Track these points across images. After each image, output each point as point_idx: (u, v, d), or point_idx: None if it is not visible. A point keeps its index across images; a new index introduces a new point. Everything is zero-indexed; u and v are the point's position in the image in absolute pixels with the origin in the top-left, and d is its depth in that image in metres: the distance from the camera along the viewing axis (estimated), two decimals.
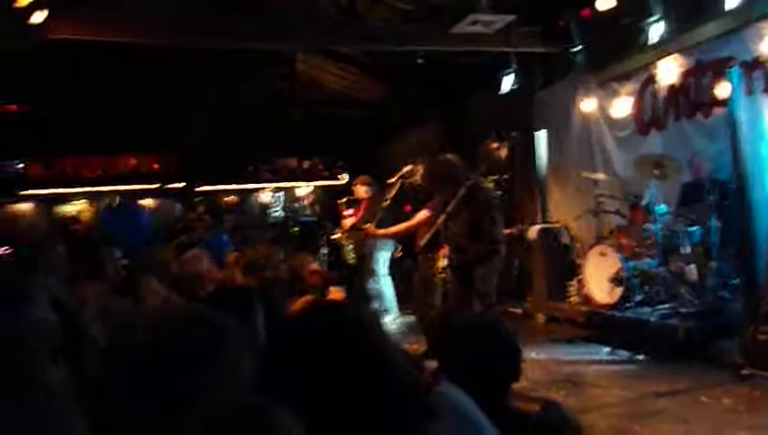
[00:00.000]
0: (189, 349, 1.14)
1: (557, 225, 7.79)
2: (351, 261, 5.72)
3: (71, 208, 11.23)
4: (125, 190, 11.18)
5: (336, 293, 4.12)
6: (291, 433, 0.93)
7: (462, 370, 1.91)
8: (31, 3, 5.30)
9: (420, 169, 5.72)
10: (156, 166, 11.42)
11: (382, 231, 5.55)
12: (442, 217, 4.86)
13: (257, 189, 12.22)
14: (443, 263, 5.11)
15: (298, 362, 1.17)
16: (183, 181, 11.44)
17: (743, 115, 5.23)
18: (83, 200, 11.25)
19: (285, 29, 7.03)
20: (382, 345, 1.23)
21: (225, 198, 12.12)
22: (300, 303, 3.45)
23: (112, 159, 11.21)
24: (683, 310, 5.55)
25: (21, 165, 10.56)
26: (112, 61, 7.71)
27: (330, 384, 1.11)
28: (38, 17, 5.38)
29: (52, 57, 6.92)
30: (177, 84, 9.07)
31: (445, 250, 5.07)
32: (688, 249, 5.75)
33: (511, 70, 7.92)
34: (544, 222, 8.07)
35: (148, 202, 11.40)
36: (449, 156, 5.20)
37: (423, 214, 5.21)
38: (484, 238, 4.85)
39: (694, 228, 5.76)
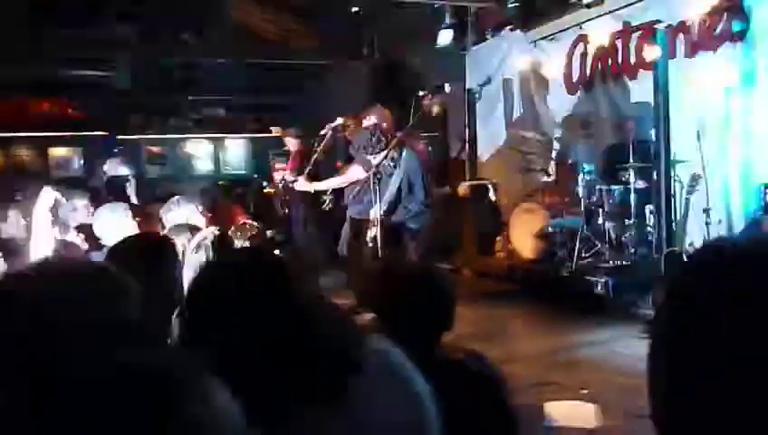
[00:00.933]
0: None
1: (486, 181, 7.89)
2: (327, 207, 5.51)
3: None
4: (37, 137, 10.54)
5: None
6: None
7: (395, 316, 1.89)
8: None
9: (351, 123, 5.61)
10: (70, 111, 10.74)
11: (314, 185, 5.43)
12: (371, 172, 4.81)
13: (183, 139, 11.74)
14: (372, 232, 5.09)
15: (219, 312, 1.11)
16: (100, 129, 10.82)
17: (667, 78, 5.38)
18: None
19: None
20: (307, 298, 1.18)
21: (149, 148, 11.58)
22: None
23: (23, 102, 10.46)
24: (603, 265, 5.77)
25: None
26: None
27: (251, 336, 1.06)
28: None
29: None
30: (93, 23, 8.49)
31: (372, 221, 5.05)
32: (609, 208, 5.95)
33: (447, 24, 7.85)
34: (474, 179, 8.16)
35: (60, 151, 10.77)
36: (375, 115, 5.16)
37: (356, 171, 5.14)
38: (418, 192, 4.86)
39: (615, 187, 5.95)
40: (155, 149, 11.55)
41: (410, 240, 4.89)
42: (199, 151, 11.91)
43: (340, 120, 5.46)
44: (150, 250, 1.88)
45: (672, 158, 5.44)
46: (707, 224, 5.44)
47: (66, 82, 10.06)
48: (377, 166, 4.79)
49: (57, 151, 10.85)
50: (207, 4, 9.08)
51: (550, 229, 6.17)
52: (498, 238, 7.14)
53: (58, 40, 8.81)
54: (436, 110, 8.71)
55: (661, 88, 5.32)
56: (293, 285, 1.17)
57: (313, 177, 5.67)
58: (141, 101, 10.86)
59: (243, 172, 11.78)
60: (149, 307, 1.18)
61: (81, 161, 10.86)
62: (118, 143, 11.09)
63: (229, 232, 3.54)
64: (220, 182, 11.51)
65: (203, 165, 11.90)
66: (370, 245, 5.08)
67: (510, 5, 7.45)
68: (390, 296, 1.97)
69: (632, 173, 5.84)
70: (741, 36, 5.40)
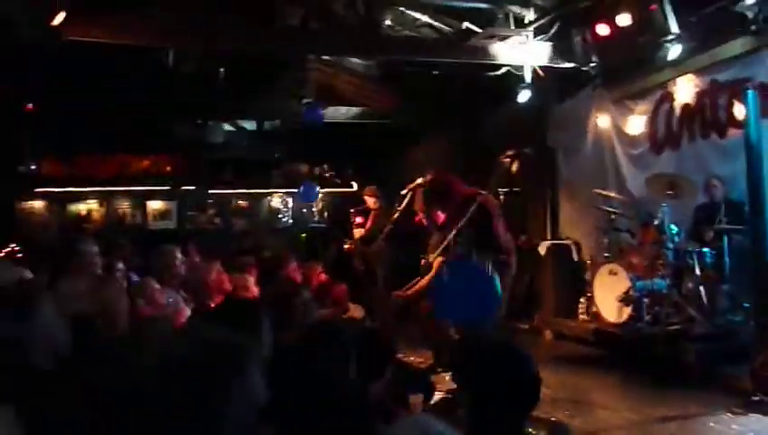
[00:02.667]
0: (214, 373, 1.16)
1: (568, 241, 7.74)
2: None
3: (83, 207, 11.29)
4: (137, 191, 11.30)
5: (355, 310, 4.10)
6: None
7: (484, 395, 1.90)
8: (51, 3, 5.36)
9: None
10: (168, 167, 11.48)
11: (409, 292, 5.43)
12: (453, 233, 4.85)
13: (268, 194, 12.23)
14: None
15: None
16: (194, 184, 11.48)
17: (759, 137, 5.18)
18: (95, 199, 11.31)
19: (302, 35, 7.06)
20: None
21: (237, 202, 12.14)
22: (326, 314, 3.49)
23: (126, 158, 11.28)
24: (693, 332, 5.49)
25: (34, 165, 10.66)
26: (129, 61, 7.76)
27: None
28: (59, 18, 5.44)
29: (69, 57, 6.98)
30: (187, 85, 9.11)
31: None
32: (700, 271, 5.69)
33: (526, 84, 7.91)
34: (555, 238, 8.03)
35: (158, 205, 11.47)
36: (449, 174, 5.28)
37: (437, 262, 5.19)
38: (492, 247, 4.84)
39: (706, 250, 5.70)
40: (242, 202, 12.09)
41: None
42: (282, 204, 12.36)
43: (419, 181, 5.55)
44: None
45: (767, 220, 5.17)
46: None
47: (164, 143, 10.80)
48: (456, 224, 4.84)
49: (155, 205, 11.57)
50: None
51: (635, 292, 5.94)
52: (581, 300, 6.93)
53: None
54: (515, 168, 8.73)
55: (753, 147, 5.11)
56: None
57: (392, 235, 5.75)
58: (231, 157, 11.46)
59: (323, 226, 12.09)
60: None
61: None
62: (208, 197, 11.73)
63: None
64: (301, 235, 11.87)
65: (286, 218, 12.33)
66: None
67: (592, 65, 7.43)
68: (476, 376, 1.97)
69: (725, 235, 5.60)
70: None
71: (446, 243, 4.89)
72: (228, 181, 11.75)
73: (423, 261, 5.28)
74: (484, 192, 5.09)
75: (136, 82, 8.69)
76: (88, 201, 11.26)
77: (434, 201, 5.17)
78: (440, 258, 5.07)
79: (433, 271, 5.10)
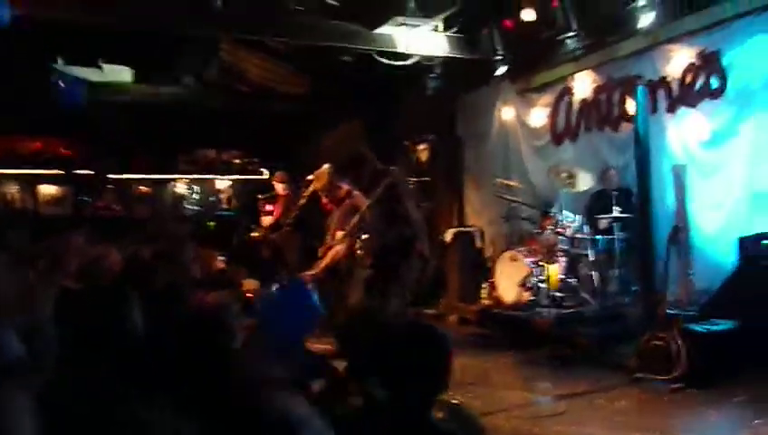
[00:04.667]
0: None
1: (472, 229, 7.95)
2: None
3: None
4: (27, 174, 10.57)
5: (249, 284, 4.01)
6: None
7: (389, 375, 1.86)
8: None
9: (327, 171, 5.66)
10: (62, 150, 10.80)
11: (315, 271, 5.37)
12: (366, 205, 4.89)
13: (172, 180, 11.77)
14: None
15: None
16: (91, 168, 10.86)
17: (647, 131, 5.51)
18: None
19: (211, 15, 6.81)
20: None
21: (138, 188, 11.60)
22: (218, 296, 3.39)
23: (15, 140, 10.51)
24: (585, 315, 5.80)
25: None
26: (25, 36, 7.23)
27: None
28: None
29: None
30: (90, 62, 8.62)
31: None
32: (593, 257, 6.01)
33: (435, 74, 8.03)
34: (460, 225, 8.22)
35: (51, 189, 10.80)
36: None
37: (341, 238, 5.18)
38: (401, 222, 4.90)
39: (599, 237, 6.02)
40: (144, 188, 11.58)
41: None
42: (188, 191, 11.94)
43: (326, 167, 5.52)
44: None
45: (654, 209, 5.53)
46: (689, 275, 5.52)
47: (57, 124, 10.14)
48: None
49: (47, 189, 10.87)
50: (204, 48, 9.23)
51: (533, 278, 6.20)
52: (483, 285, 7.15)
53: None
54: (424, 157, 8.87)
55: (641, 141, 5.44)
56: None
57: (299, 221, 5.71)
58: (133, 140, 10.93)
59: (231, 213, 11.79)
60: None
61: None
62: (108, 182, 11.15)
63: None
64: (209, 223, 11.53)
65: (191, 205, 11.91)
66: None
67: (498, 58, 7.63)
68: (386, 355, 1.93)
69: (615, 223, 5.94)
70: (719, 92, 5.56)
71: (358, 216, 4.90)
72: (129, 166, 11.20)
73: (321, 249, 5.28)
74: (394, 168, 5.17)
75: (27, 55, 8.12)
76: None
77: (348, 170, 5.16)
78: (345, 237, 5.07)
79: (338, 247, 5.10)
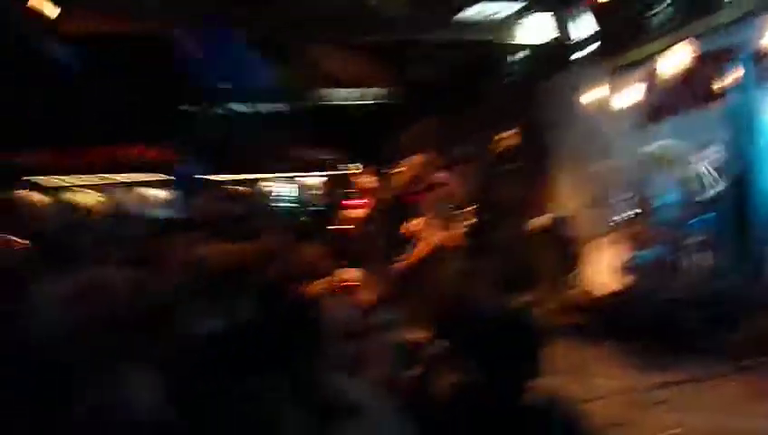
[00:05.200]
0: None
1: (564, 215, 7.79)
2: None
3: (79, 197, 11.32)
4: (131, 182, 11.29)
5: (346, 273, 4.11)
6: None
7: (487, 366, 1.93)
8: None
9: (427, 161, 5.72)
10: (161, 155, 11.50)
11: (408, 261, 5.45)
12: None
13: (268, 179, 12.28)
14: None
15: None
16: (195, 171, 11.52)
17: (749, 105, 5.21)
18: (89, 191, 11.32)
19: (298, 21, 7.04)
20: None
21: (236, 188, 12.19)
22: (321, 284, 3.55)
23: (117, 148, 11.28)
24: (687, 300, 5.56)
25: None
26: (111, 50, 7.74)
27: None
28: None
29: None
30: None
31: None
32: (693, 239, 5.75)
33: (519, 58, 7.92)
34: (552, 212, 8.07)
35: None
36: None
37: (434, 227, 5.23)
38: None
39: (698, 219, 5.75)
40: (241, 188, 12.15)
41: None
42: (284, 188, 12.41)
43: (414, 159, 5.60)
44: None
45: (756, 187, 5.23)
46: None
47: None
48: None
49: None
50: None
51: (633, 262, 6.01)
52: (578, 272, 7.00)
53: None
54: (512, 143, 8.76)
55: (743, 115, 5.14)
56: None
57: (389, 213, 5.81)
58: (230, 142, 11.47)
59: (323, 208, 12.14)
60: None
61: None
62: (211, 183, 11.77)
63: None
64: (302, 218, 11.93)
65: (288, 202, 12.37)
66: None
67: (585, 38, 7.43)
68: (481, 339, 1.99)
69: (716, 204, 5.65)
70: None
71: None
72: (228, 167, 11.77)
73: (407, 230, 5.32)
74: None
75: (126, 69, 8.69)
76: (86, 191, 11.31)
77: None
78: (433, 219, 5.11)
79: (433, 237, 5.16)
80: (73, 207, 10.98)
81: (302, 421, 0.97)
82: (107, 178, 11.26)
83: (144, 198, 11.55)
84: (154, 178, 11.43)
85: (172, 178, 11.43)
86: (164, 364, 1.61)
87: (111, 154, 11.25)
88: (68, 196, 11.24)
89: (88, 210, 11.11)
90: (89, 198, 11.34)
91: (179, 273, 4.31)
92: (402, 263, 5.36)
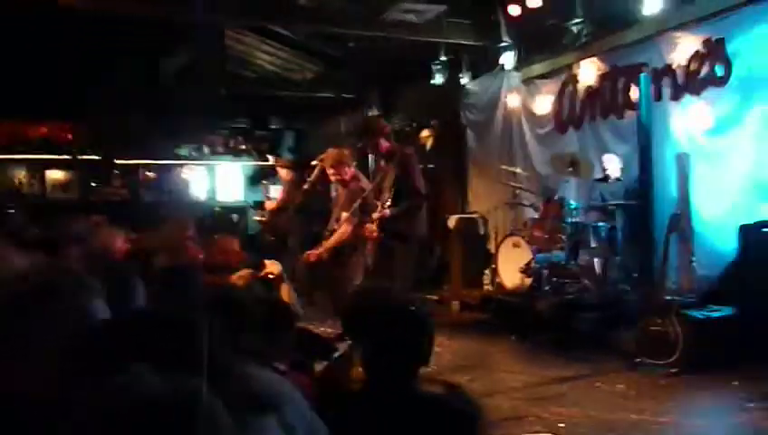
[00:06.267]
0: None
1: (476, 215, 7.99)
2: None
3: None
4: (34, 160, 10.65)
5: (271, 266, 4.02)
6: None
7: (372, 349, 1.93)
8: None
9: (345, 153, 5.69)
10: (69, 135, 10.86)
11: (320, 251, 5.41)
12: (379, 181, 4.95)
13: (179, 166, 11.84)
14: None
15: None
16: (99, 153, 10.93)
17: (650, 119, 5.53)
18: None
19: (217, 2, 6.85)
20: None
21: (146, 173, 11.67)
22: (239, 277, 3.44)
23: (21, 125, 10.58)
24: (587, 301, 5.84)
25: None
26: (28, 21, 7.29)
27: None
28: None
29: None
30: (96, 50, 8.66)
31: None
32: (595, 244, 6.04)
33: (441, 61, 8.05)
34: (464, 212, 8.27)
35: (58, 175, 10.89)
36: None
37: (345, 220, 5.22)
38: (410, 193, 4.91)
39: (601, 224, 6.05)
40: (151, 174, 11.64)
41: (400, 261, 4.95)
42: (195, 177, 12.00)
43: (331, 151, 5.56)
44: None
45: (656, 196, 5.56)
46: (691, 262, 5.55)
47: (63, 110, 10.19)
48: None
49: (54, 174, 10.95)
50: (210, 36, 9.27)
51: (535, 264, 6.24)
52: (485, 272, 7.20)
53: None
54: (428, 143, 8.89)
55: (644, 129, 5.46)
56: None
57: (301, 208, 5.76)
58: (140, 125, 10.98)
59: (237, 199, 11.86)
60: None
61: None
62: (113, 167, 11.22)
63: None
64: (216, 209, 11.61)
65: (199, 191, 11.97)
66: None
67: (503, 44, 7.64)
68: (369, 327, 2.01)
69: (617, 211, 5.96)
70: (724, 81, 5.56)
71: (362, 196, 4.94)
72: (136, 152, 11.25)
73: (326, 233, 5.32)
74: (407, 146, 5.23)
75: (32, 41, 8.18)
76: None
77: (366, 139, 5.15)
78: (349, 217, 5.11)
79: (343, 227, 5.15)
80: None
81: (215, 414, 0.91)
82: (6, 156, 10.48)
83: (46, 179, 10.85)
84: (57, 158, 10.76)
85: (76, 158, 10.81)
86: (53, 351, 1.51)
87: (12, 131, 10.52)
88: None
89: None
90: None
91: (79, 256, 4.10)
92: (311, 255, 5.31)
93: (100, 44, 8.66)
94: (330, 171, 5.27)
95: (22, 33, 7.86)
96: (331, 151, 5.41)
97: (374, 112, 9.65)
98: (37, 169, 10.75)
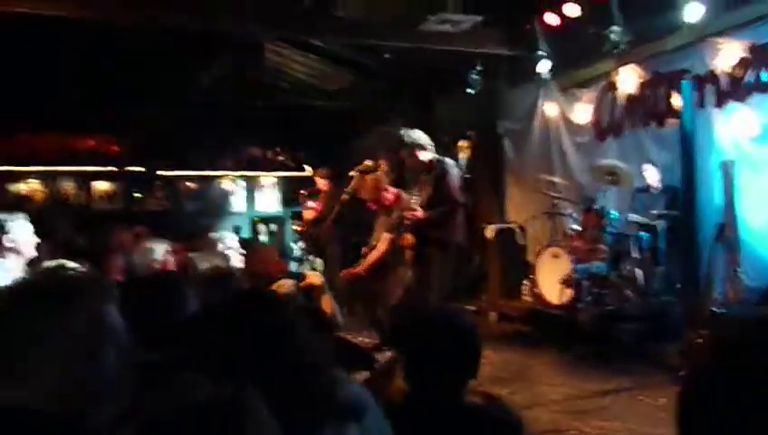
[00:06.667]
0: None
1: (514, 225, 7.93)
2: None
3: (23, 187, 10.92)
4: (81, 171, 11.00)
5: (312, 277, 4.08)
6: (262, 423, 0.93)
7: (421, 359, 1.93)
8: None
9: (382, 165, 5.74)
10: (115, 148, 11.20)
11: (359, 269, 5.48)
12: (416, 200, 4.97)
13: (219, 177, 12.07)
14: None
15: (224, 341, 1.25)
16: (142, 165, 11.24)
17: (694, 127, 5.42)
18: (36, 179, 10.96)
19: (256, 16, 6.98)
20: (302, 343, 1.30)
21: (187, 184, 11.93)
22: (280, 286, 3.50)
23: (69, 138, 10.95)
24: (629, 312, 5.73)
25: None
26: (72, 36, 7.54)
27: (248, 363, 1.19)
28: None
29: (4, 31, 6.74)
30: (139, 64, 8.90)
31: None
32: (637, 254, 5.93)
33: (477, 71, 8.04)
34: (502, 222, 8.21)
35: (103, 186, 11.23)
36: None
37: (385, 239, 5.26)
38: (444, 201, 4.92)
39: (643, 234, 5.94)
40: (191, 185, 11.90)
41: (437, 271, 4.96)
42: (234, 188, 12.21)
43: (368, 163, 5.61)
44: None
45: (700, 205, 5.44)
46: (737, 273, 5.40)
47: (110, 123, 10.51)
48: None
49: (99, 186, 11.29)
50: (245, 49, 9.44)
51: (575, 275, 6.16)
52: (524, 282, 7.13)
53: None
54: (466, 153, 8.85)
55: (688, 136, 5.36)
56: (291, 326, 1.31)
57: (339, 218, 5.81)
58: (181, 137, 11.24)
59: (275, 210, 12.03)
60: None
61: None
62: (156, 179, 11.51)
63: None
64: (254, 219, 11.80)
65: (237, 202, 12.18)
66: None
67: (541, 54, 7.58)
68: (417, 340, 2.01)
69: (660, 220, 5.85)
70: None
71: (413, 209, 4.97)
72: (177, 163, 11.53)
73: (364, 250, 5.36)
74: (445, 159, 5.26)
75: (78, 57, 8.46)
76: (29, 181, 10.90)
77: (405, 151, 5.18)
78: (389, 235, 5.14)
79: (383, 246, 5.19)
80: (21, 198, 10.62)
81: (262, 420, 0.92)
82: (55, 169, 10.87)
83: (92, 190, 11.20)
84: (103, 170, 11.10)
85: (121, 170, 11.13)
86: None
87: (60, 144, 10.89)
88: (14, 186, 10.83)
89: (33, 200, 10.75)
90: (36, 189, 10.96)
91: (122, 265, 4.21)
92: (354, 269, 5.37)
93: (142, 59, 8.91)
94: (369, 203, 5.33)
95: (70, 51, 8.14)
96: (367, 179, 5.43)
97: (408, 122, 9.68)
98: (84, 180, 11.11)
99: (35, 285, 1.44)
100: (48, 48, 8.03)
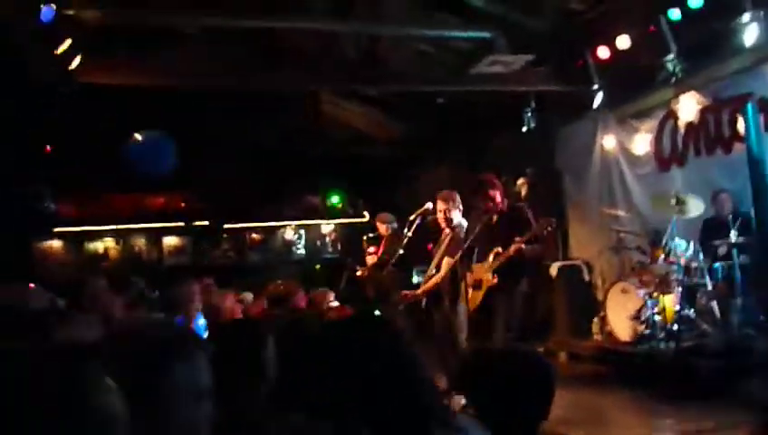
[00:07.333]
0: None
1: (578, 261, 7.76)
2: None
3: (99, 245, 11.49)
4: (153, 228, 11.50)
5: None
6: None
7: (492, 404, 1.91)
8: (68, 48, 5.56)
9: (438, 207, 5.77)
10: (183, 204, 11.68)
11: (416, 292, 5.57)
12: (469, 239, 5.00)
13: (281, 227, 12.37)
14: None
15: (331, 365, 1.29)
16: (208, 219, 11.66)
17: (761, 150, 5.23)
18: (111, 237, 11.51)
19: (311, 72, 7.25)
20: (413, 360, 1.33)
21: (251, 236, 12.28)
22: None
23: (140, 197, 11.50)
24: (707, 348, 5.47)
25: (53, 204, 10.87)
26: (140, 102, 8.00)
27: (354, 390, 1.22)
28: (75, 62, 5.64)
29: (83, 99, 7.22)
30: (201, 122, 9.34)
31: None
32: (711, 286, 5.69)
33: (530, 109, 8.03)
34: (566, 259, 8.04)
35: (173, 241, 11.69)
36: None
37: (447, 263, 5.29)
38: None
39: (717, 264, 5.71)
40: (256, 236, 12.24)
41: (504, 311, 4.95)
42: (296, 237, 12.48)
43: (428, 205, 5.65)
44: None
45: None
46: None
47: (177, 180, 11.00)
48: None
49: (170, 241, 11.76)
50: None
51: (647, 310, 5.95)
52: (594, 320, 6.93)
53: None
54: (524, 191, 8.80)
55: (756, 160, 5.17)
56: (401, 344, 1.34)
57: (403, 260, 5.85)
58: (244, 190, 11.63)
59: (336, 256, 12.19)
60: None
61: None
62: (222, 232, 11.90)
63: None
64: (316, 266, 11.98)
65: (299, 250, 12.42)
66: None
67: (595, 87, 7.52)
68: (489, 386, 1.95)
69: (735, 249, 5.60)
70: None
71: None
72: (241, 215, 11.90)
73: (426, 276, 5.41)
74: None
75: (148, 120, 8.93)
76: (104, 239, 11.47)
77: (480, 194, 5.23)
78: (449, 259, 5.17)
79: (443, 271, 5.20)
80: (97, 256, 11.17)
81: None
82: (127, 227, 11.44)
83: (163, 245, 11.69)
84: (172, 226, 11.59)
85: (189, 225, 11.58)
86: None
87: (132, 203, 11.45)
88: (91, 244, 11.43)
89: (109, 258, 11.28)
90: (110, 246, 11.52)
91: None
92: (408, 294, 5.44)
93: (204, 117, 9.36)
94: (440, 206, 5.38)
95: (141, 115, 8.61)
96: (445, 191, 5.54)
97: (463, 165, 9.73)
98: (155, 236, 11.60)
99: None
100: (121, 113, 8.54)
